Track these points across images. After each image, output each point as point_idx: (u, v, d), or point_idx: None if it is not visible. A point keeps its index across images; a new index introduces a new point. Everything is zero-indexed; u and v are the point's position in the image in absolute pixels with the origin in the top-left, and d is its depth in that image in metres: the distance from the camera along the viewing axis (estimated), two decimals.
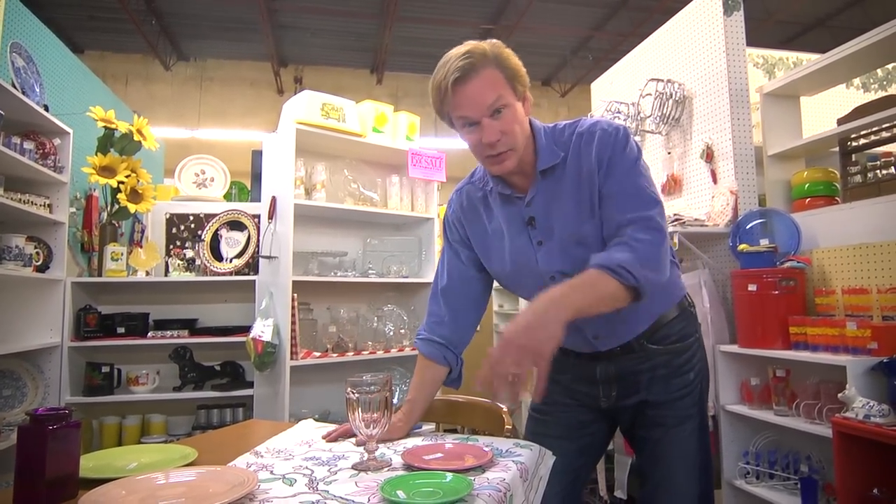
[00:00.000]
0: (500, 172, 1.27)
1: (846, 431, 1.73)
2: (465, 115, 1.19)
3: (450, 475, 1.00)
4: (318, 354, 2.73)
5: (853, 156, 2.44)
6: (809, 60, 2.71)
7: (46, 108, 2.64)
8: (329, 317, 2.97)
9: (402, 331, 3.06)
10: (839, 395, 1.82)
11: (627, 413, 1.41)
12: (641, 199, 1.22)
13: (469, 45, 1.19)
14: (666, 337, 1.36)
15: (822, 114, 3.22)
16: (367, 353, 2.90)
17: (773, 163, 2.75)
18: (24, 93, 2.47)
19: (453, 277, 1.43)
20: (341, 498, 0.93)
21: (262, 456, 1.19)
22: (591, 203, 1.25)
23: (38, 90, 2.69)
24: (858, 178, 2.36)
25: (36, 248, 2.62)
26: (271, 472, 1.07)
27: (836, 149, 2.50)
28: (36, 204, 2.57)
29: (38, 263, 2.64)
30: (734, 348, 2.39)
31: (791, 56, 3.52)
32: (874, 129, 2.34)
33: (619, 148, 1.24)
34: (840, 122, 2.46)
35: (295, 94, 2.86)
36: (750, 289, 2.31)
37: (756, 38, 2.84)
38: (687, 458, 1.35)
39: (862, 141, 2.41)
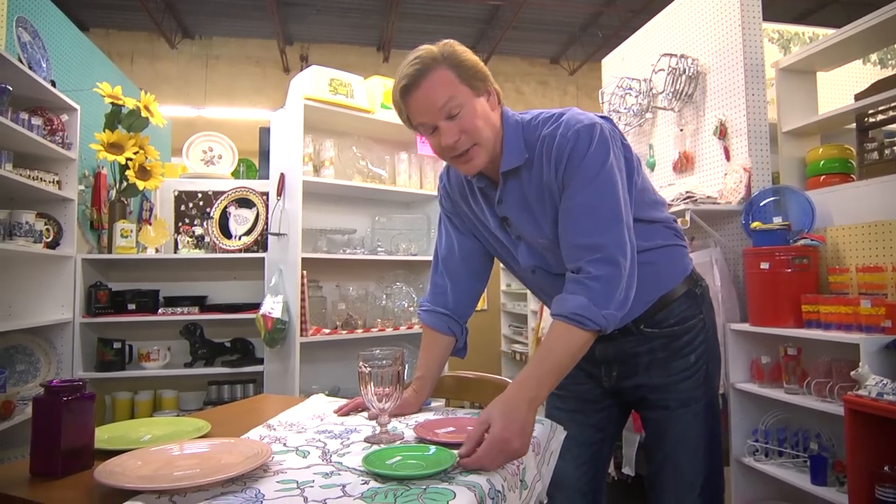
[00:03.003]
0: (469, 172, 1.24)
1: (858, 409, 1.72)
2: (422, 121, 1.17)
3: (433, 448, 1.00)
4: (327, 331, 2.74)
5: (870, 132, 2.40)
6: (826, 35, 2.65)
7: (53, 84, 2.62)
8: (338, 294, 2.98)
9: (411, 308, 3.06)
10: (852, 373, 1.80)
11: (630, 394, 1.41)
12: (598, 219, 1.14)
13: (418, 50, 1.16)
14: (664, 320, 1.34)
15: (838, 90, 3.16)
16: (376, 330, 2.91)
17: (788, 139, 2.71)
18: (30, 68, 2.45)
19: (452, 247, 1.42)
20: (354, 469, 0.93)
21: (274, 429, 1.19)
22: (554, 215, 1.21)
23: (44, 65, 2.68)
24: (875, 155, 2.32)
25: (46, 224, 2.62)
26: (284, 445, 1.07)
27: (853, 125, 2.46)
28: (45, 180, 2.57)
29: (49, 240, 2.64)
30: (745, 326, 2.38)
31: (807, 31, 3.45)
32: (893, 104, 2.29)
33: (578, 156, 1.15)
34: (858, 97, 2.41)
35: (301, 72, 2.83)
36: (762, 267, 2.29)
37: (768, 13, 2.77)
38: (691, 440, 1.34)
39: (880, 117, 2.36)
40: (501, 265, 1.50)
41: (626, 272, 1.13)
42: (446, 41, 1.17)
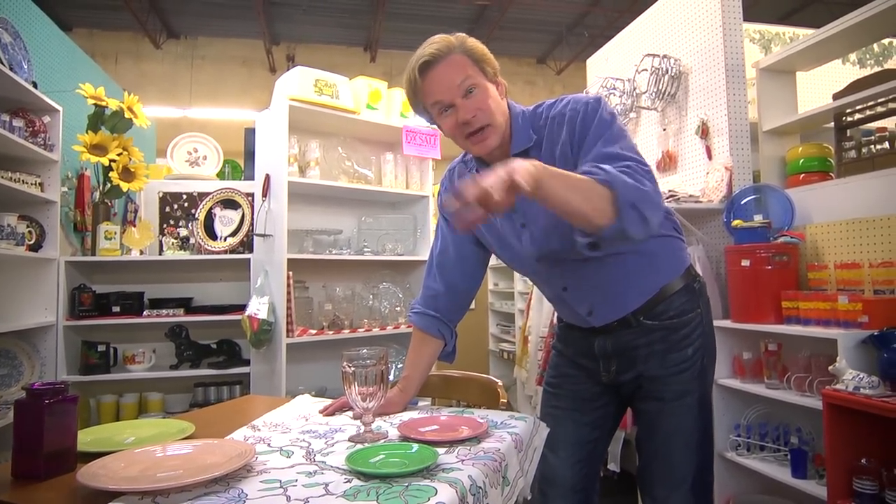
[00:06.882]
0: (482, 152, 1.27)
1: (836, 403, 1.75)
2: (438, 99, 1.22)
3: (416, 446, 1.01)
4: (314, 332, 2.74)
5: (848, 131, 2.44)
6: (805, 35, 2.69)
7: (35, 85, 2.60)
8: (325, 294, 2.98)
9: (398, 308, 3.07)
10: (830, 367, 1.84)
11: (628, 387, 1.42)
12: (616, 158, 1.16)
13: (433, 37, 1.23)
14: (663, 312, 1.35)
15: (818, 90, 3.21)
16: (362, 330, 2.91)
17: (769, 138, 2.75)
18: (11, 69, 2.43)
19: (449, 251, 1.44)
20: (338, 468, 0.94)
21: (259, 430, 1.20)
22: None
23: (26, 67, 2.65)
24: (853, 154, 2.36)
25: (28, 227, 2.60)
26: (269, 445, 1.08)
27: (832, 124, 2.50)
28: (27, 183, 2.55)
29: (31, 242, 2.62)
30: (727, 323, 2.41)
31: (788, 31, 3.50)
32: (869, 103, 2.33)
33: (590, 117, 1.23)
34: (836, 96, 2.45)
35: (286, 72, 2.83)
36: (743, 264, 2.32)
37: (753, 13, 2.81)
38: (683, 432, 1.35)
39: (857, 116, 2.40)
40: (490, 262, 1.51)
41: (648, 186, 1.12)
42: (458, 34, 1.25)
